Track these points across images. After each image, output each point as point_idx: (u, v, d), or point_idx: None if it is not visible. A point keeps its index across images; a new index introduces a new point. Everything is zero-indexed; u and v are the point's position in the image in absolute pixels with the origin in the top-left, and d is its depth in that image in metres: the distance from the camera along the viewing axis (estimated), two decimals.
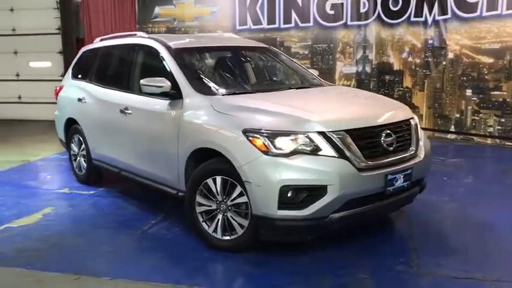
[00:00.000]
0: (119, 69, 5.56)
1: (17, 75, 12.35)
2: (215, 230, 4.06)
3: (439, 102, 9.12)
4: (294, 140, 3.64)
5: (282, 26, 10.42)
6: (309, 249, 4.07)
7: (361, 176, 3.69)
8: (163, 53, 4.82)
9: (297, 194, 3.60)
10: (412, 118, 4.31)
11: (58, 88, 6.79)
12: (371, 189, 3.79)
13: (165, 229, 4.65)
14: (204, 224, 4.12)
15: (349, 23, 10.06)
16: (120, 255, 4.13)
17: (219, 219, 4.03)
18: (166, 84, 4.42)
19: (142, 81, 4.50)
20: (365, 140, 3.82)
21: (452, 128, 9.01)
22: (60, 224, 4.87)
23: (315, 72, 5.69)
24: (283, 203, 3.60)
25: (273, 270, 3.78)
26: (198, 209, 4.12)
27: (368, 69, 10.10)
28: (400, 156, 4.00)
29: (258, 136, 3.66)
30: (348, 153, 3.67)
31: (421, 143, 4.29)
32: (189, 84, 4.43)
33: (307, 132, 3.66)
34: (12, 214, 5.19)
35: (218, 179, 3.96)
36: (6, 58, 12.33)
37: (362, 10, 9.89)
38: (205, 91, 4.42)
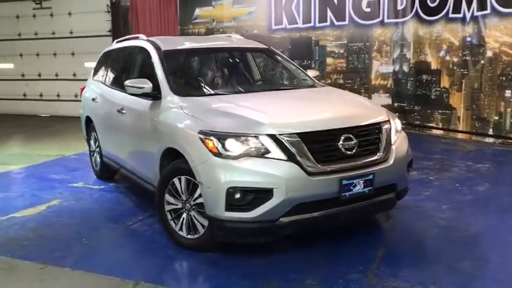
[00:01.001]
0: (121, 71, 5.83)
1: (74, 74, 13.19)
2: (181, 229, 4.16)
3: (477, 103, 8.58)
4: (243, 143, 3.65)
5: (318, 24, 10.32)
6: (274, 252, 4.05)
7: (310, 180, 3.63)
8: (153, 54, 5.00)
9: (244, 196, 3.61)
10: (384, 122, 4.14)
11: (82, 88, 7.22)
12: (323, 194, 3.71)
13: (148, 225, 4.82)
14: (172, 222, 4.23)
15: (386, 20, 9.76)
16: (94, 248, 4.35)
17: (184, 218, 4.13)
18: (147, 85, 4.58)
19: (126, 82, 4.71)
20: (320, 144, 3.75)
21: (491, 132, 8.44)
22: (57, 216, 5.20)
23: (315, 73, 5.60)
24: (230, 205, 3.63)
25: (226, 270, 3.81)
26: (167, 207, 4.24)
27: (405, 68, 9.75)
28: (362, 161, 3.87)
29: (211, 138, 3.72)
30: (298, 157, 3.62)
31: (393, 147, 4.11)
32: (168, 85, 4.57)
33: (258, 134, 3.66)
34: (23, 205, 5.62)
35: (183, 178, 4.06)
36: (65, 59, 13.25)
37: (399, 7, 9.57)
38: (181, 92, 4.53)
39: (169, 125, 4.25)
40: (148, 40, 5.39)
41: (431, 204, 5.22)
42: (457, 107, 8.94)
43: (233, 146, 3.65)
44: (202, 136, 3.76)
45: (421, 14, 9.26)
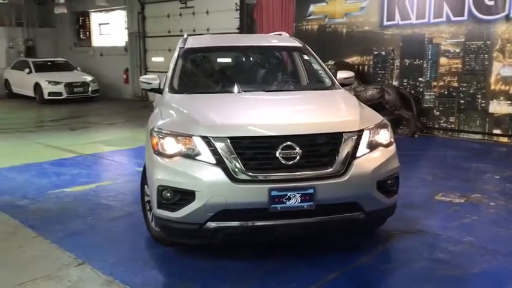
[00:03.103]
0: None
1: None
2: (152, 221, 4.33)
3: None
4: (179, 142, 3.64)
5: (432, 20, 9.34)
6: (224, 257, 3.98)
7: (235, 187, 3.45)
8: (175, 51, 5.23)
9: (172, 196, 3.62)
10: (349, 132, 3.67)
11: None
12: (251, 203, 3.49)
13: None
14: (148, 213, 4.43)
15: None
16: (90, 227, 4.77)
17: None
18: (155, 81, 4.85)
19: (140, 78, 5.03)
20: (254, 150, 3.53)
21: None
22: (92, 195, 5.83)
23: (347, 74, 5.15)
24: (161, 203, 3.67)
25: (164, 267, 3.90)
26: (146, 198, 4.46)
27: None
28: (301, 173, 3.52)
29: (155, 135, 3.80)
30: (226, 162, 3.48)
31: (355, 161, 3.64)
32: (169, 82, 4.76)
33: (192, 135, 3.61)
34: (82, 182, 6.43)
35: None
36: None
37: None
38: (174, 89, 4.67)
39: (149, 121, 4.44)
40: (186, 37, 5.58)
41: (451, 233, 4.45)
42: None
43: (170, 145, 3.67)
44: (151, 133, 3.86)
45: None
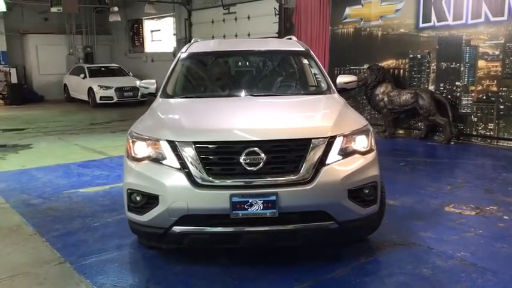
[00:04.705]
0: None
1: None
2: None
3: None
4: (148, 146, 3.69)
5: (470, 21, 8.86)
6: (198, 262, 3.99)
7: (197, 193, 3.43)
8: (177, 57, 5.31)
9: (141, 200, 3.66)
10: (319, 139, 3.54)
11: None
12: (213, 209, 3.46)
13: None
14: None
15: None
16: (86, 227, 4.92)
17: None
18: (152, 86, 4.96)
19: (139, 83, 5.15)
20: (218, 156, 3.50)
21: None
22: (102, 196, 6.01)
23: (348, 79, 5.01)
24: (129, 206, 3.74)
25: (133, 267, 3.97)
26: None
27: None
28: (264, 179, 3.44)
29: (129, 139, 3.87)
30: (190, 166, 3.47)
31: (324, 168, 3.50)
32: (163, 87, 4.84)
33: (158, 139, 3.64)
34: (98, 183, 6.67)
35: None
36: None
37: None
38: (166, 93, 4.75)
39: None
40: (193, 42, 5.66)
41: (445, 248, 4.18)
42: None
43: (140, 149, 3.73)
44: (128, 136, 3.93)
45: None
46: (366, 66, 10.34)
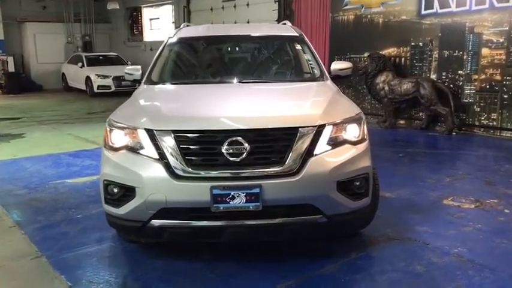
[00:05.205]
0: None
1: None
2: None
3: None
4: (125, 135, 3.47)
5: (474, 7, 8.57)
6: (179, 258, 3.79)
7: (176, 185, 3.22)
8: (166, 42, 5.09)
9: (117, 192, 3.45)
10: (307, 127, 3.31)
11: None
12: (193, 202, 3.25)
13: None
14: None
15: None
16: (63, 222, 4.68)
17: None
18: (137, 72, 4.75)
19: (125, 69, 4.93)
20: (198, 145, 3.28)
21: None
22: (89, 187, 5.81)
23: (342, 65, 4.77)
24: (106, 198, 3.53)
25: (125, 269, 3.76)
26: None
27: None
28: (247, 171, 3.22)
29: (107, 127, 3.66)
30: (168, 157, 3.26)
31: (311, 159, 3.28)
32: (148, 73, 4.63)
33: (136, 128, 3.42)
34: (87, 173, 6.47)
35: None
36: None
37: None
38: (150, 79, 4.54)
39: None
40: (183, 27, 5.44)
41: (442, 243, 3.96)
42: None
43: (117, 138, 3.52)
44: (107, 125, 3.71)
45: None
46: (366, 54, 10.06)
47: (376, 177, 3.90)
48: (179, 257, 3.80)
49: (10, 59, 18.18)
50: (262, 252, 3.83)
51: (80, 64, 17.19)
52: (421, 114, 9.57)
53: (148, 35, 19.75)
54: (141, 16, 19.95)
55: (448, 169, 6.44)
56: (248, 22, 13.79)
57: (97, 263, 3.75)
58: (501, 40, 8.27)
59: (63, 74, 18.74)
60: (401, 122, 10.01)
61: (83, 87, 16.92)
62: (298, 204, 3.29)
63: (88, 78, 16.53)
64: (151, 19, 19.60)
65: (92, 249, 4.00)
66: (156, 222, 3.35)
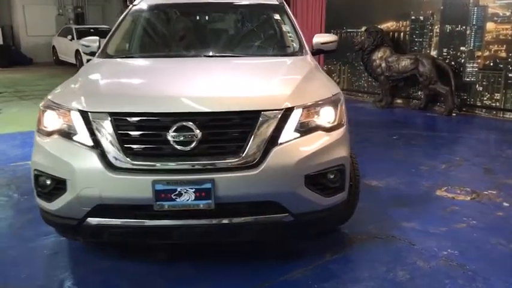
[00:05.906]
0: None
1: None
2: None
3: None
4: (59, 117, 2.96)
5: None
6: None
7: (112, 178, 2.71)
8: (128, 10, 4.56)
9: (49, 184, 2.95)
10: (272, 111, 2.79)
11: None
12: (132, 199, 2.74)
13: None
14: None
15: None
16: (27, 203, 4.28)
17: None
18: (93, 44, 4.23)
19: (81, 41, 4.42)
20: (140, 131, 2.77)
21: None
22: None
23: (326, 39, 4.24)
24: (38, 191, 3.03)
25: (65, 271, 3.28)
26: None
27: None
28: (197, 162, 2.71)
29: (40, 107, 3.14)
30: (104, 145, 2.75)
31: (276, 149, 2.76)
32: (104, 45, 4.11)
33: (70, 109, 2.91)
34: None
35: None
36: None
37: None
38: (105, 53, 4.04)
39: None
40: None
41: (430, 243, 3.47)
42: None
43: (49, 120, 3.00)
44: (44, 105, 3.18)
45: None
46: (363, 28, 9.44)
47: (356, 167, 3.39)
48: (129, 257, 3.32)
49: None
50: (224, 253, 3.35)
51: (69, 37, 16.58)
52: (419, 93, 9.01)
53: None
54: None
55: (445, 154, 5.91)
56: None
57: (33, 264, 3.27)
58: (508, 14, 7.64)
59: (53, 47, 18.15)
60: (399, 101, 9.45)
61: (73, 60, 16.36)
62: (259, 202, 2.79)
63: (78, 52, 15.90)
64: None
65: (32, 245, 3.53)
66: (92, 221, 2.85)
